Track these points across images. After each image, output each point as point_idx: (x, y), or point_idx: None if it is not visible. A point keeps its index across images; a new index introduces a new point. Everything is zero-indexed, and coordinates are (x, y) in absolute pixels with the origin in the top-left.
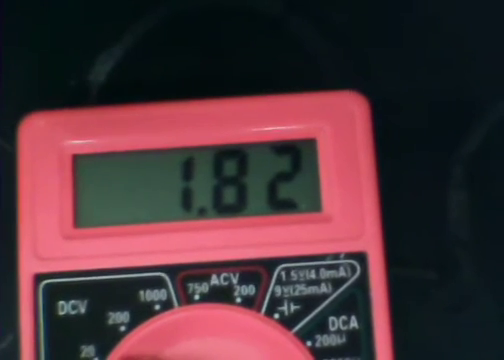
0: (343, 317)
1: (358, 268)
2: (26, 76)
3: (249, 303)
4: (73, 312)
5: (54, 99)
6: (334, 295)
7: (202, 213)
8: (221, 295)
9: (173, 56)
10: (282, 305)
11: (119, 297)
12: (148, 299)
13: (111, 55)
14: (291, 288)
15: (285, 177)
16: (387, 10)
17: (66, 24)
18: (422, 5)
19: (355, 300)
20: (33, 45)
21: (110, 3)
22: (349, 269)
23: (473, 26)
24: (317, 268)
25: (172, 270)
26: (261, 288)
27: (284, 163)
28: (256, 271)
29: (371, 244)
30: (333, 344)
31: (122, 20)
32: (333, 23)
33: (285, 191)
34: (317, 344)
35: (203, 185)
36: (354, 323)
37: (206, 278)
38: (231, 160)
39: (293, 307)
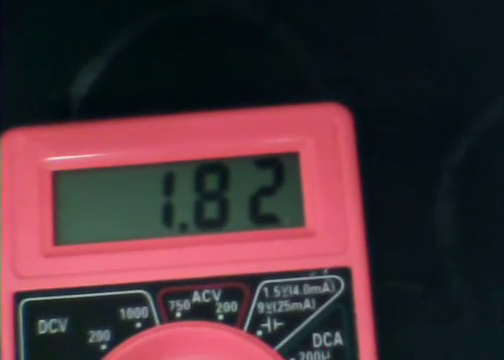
0: (327, 333)
1: (342, 283)
2: (7, 89)
3: (231, 320)
4: (53, 331)
5: (35, 112)
6: (318, 311)
7: (183, 229)
8: (203, 312)
9: (155, 68)
10: (265, 322)
11: (100, 315)
12: (129, 317)
13: (93, 67)
14: (274, 304)
15: (267, 191)
16: (373, 19)
17: (47, 35)
18: (410, 14)
19: (339, 316)
20: (13, 57)
21: (92, 14)
22: (333, 284)
23: (460, 36)
24: (300, 284)
25: (153, 287)
26: (243, 305)
27: (266, 177)
28: (238, 287)
29: (355, 259)
30: None
31: (104, 32)
32: (318, 32)
33: (268, 206)
34: None
35: (184, 200)
36: (338, 339)
37: (188, 295)
38: (212, 175)
39: (276, 324)
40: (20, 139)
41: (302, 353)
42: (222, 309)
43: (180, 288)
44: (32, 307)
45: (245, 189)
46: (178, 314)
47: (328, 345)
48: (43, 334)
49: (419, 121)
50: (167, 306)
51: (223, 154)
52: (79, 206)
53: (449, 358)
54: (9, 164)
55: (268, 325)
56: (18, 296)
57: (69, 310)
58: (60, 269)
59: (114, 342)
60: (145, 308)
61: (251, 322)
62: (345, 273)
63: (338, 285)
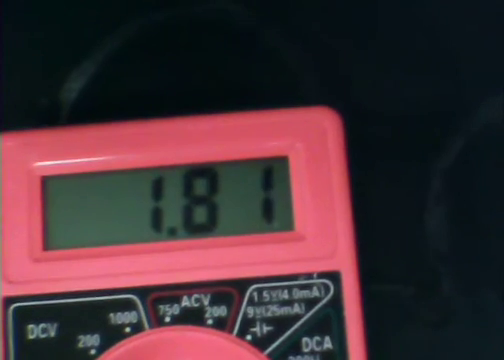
0: (317, 338)
1: (332, 288)
2: None
3: (221, 325)
4: (43, 335)
5: (25, 117)
6: (307, 315)
7: (172, 233)
8: (192, 317)
9: (145, 72)
10: (254, 326)
11: (89, 320)
12: (118, 322)
13: (83, 72)
14: (263, 309)
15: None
16: (366, 22)
17: (36, 40)
18: (403, 16)
19: (329, 320)
20: (2, 63)
21: (81, 19)
22: (322, 289)
23: (451, 36)
24: (290, 288)
25: (142, 292)
26: (233, 309)
27: (255, 181)
28: (228, 292)
29: (344, 263)
30: None
31: (93, 36)
32: (308, 36)
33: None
34: None
35: (173, 205)
36: (328, 344)
37: (177, 300)
38: (201, 179)
39: (266, 328)
40: (9, 144)
41: (291, 357)
42: (211, 314)
43: (169, 293)
44: (22, 312)
45: (234, 193)
46: (167, 319)
47: (318, 349)
48: (33, 339)
49: (410, 123)
50: (156, 311)
51: (212, 158)
52: (68, 211)
53: None
54: None
55: (257, 329)
56: (7, 301)
57: (59, 315)
58: (49, 274)
59: (103, 347)
60: (134, 313)
61: (240, 326)
62: (334, 277)
63: (327, 289)
